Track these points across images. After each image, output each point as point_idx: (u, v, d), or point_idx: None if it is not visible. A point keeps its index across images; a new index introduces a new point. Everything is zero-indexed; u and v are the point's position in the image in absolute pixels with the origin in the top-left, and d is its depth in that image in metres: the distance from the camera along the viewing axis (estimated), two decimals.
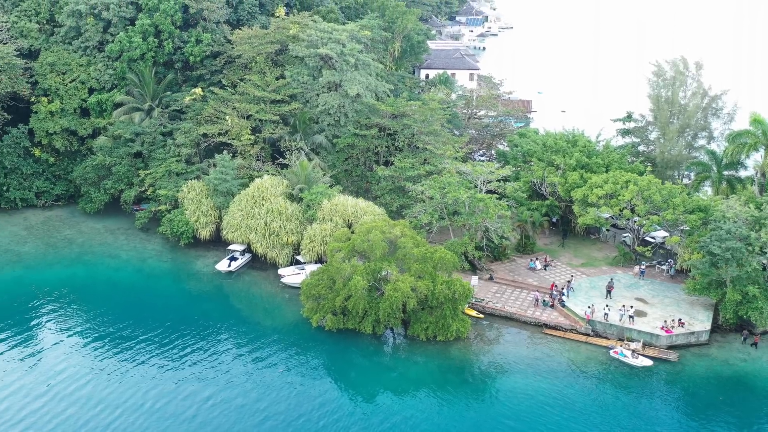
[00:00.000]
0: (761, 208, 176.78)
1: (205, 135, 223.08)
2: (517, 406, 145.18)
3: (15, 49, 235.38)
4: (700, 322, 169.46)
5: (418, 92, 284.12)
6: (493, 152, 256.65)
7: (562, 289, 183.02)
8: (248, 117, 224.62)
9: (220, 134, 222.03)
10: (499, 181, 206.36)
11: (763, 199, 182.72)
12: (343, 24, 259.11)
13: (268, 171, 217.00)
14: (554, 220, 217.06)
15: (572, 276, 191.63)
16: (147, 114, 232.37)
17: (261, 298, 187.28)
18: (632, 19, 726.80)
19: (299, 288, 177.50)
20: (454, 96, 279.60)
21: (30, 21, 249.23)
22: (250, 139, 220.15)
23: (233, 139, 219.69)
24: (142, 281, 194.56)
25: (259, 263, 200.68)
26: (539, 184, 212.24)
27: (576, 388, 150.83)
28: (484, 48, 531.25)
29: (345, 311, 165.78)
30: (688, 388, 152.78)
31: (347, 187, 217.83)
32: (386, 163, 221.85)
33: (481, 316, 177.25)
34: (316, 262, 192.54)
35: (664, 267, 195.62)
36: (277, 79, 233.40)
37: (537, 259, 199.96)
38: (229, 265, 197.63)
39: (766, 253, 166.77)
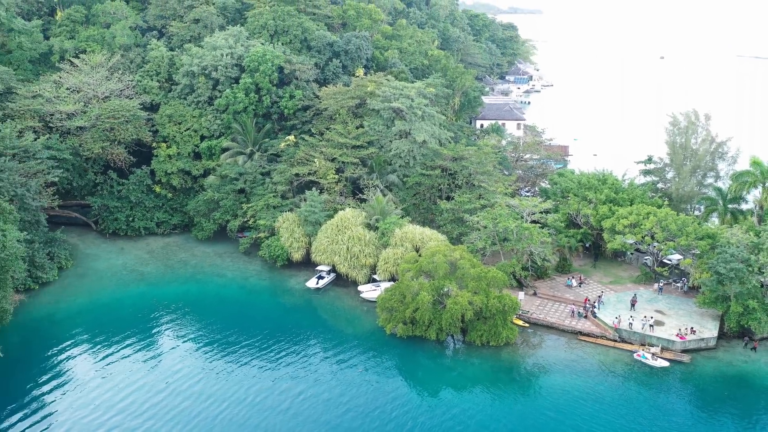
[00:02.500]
0: (759, 236, 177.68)
1: (297, 175, 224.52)
2: (556, 400, 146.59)
3: (139, 103, 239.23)
4: (709, 330, 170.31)
5: (474, 139, 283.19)
6: (536, 189, 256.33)
7: (594, 302, 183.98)
8: (333, 160, 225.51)
9: (309, 174, 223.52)
10: (541, 213, 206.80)
11: (761, 228, 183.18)
12: (412, 82, 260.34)
13: (349, 204, 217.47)
14: (587, 245, 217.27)
15: (602, 292, 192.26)
16: (249, 157, 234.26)
17: (343, 311, 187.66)
18: (652, 78, 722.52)
19: (375, 302, 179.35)
20: (504, 142, 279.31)
21: (152, 80, 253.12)
22: (334, 178, 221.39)
23: (320, 178, 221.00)
24: (245, 296, 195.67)
25: (342, 281, 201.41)
26: (575, 215, 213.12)
27: (605, 385, 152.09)
28: (529, 102, 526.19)
29: (413, 321, 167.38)
30: (699, 385, 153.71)
31: (415, 218, 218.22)
32: (448, 198, 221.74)
33: (527, 325, 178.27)
34: (389, 280, 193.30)
35: (678, 284, 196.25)
36: (357, 128, 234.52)
37: (573, 277, 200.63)
38: (317, 283, 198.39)
39: (764, 272, 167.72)
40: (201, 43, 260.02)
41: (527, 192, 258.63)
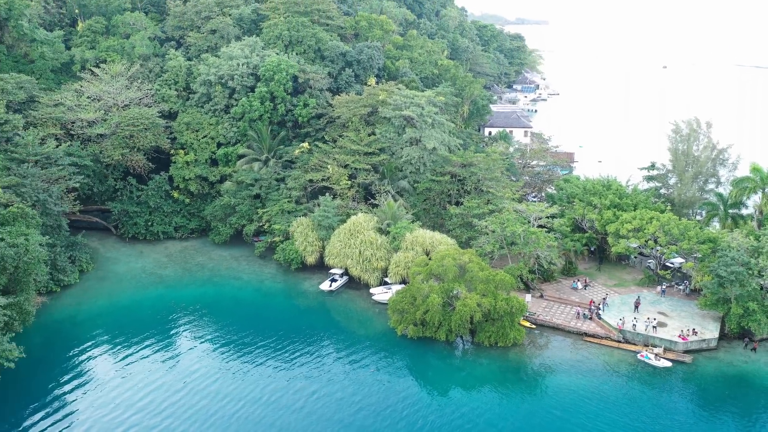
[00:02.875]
0: (759, 240, 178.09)
1: (311, 180, 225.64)
2: (562, 399, 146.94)
3: (158, 111, 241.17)
4: (710, 331, 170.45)
5: (483, 146, 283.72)
6: (543, 194, 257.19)
7: (599, 304, 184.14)
8: (346, 166, 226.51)
9: (323, 180, 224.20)
10: (548, 217, 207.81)
11: (760, 233, 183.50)
12: (422, 91, 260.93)
13: (361, 209, 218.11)
14: (592, 249, 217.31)
15: (607, 294, 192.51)
16: (264, 164, 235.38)
17: (356, 312, 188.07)
18: (655, 87, 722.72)
19: (387, 304, 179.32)
20: (511, 149, 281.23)
21: (170, 89, 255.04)
22: (347, 183, 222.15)
23: (334, 183, 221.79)
24: (260, 298, 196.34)
25: (354, 284, 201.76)
26: (580, 220, 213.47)
27: (610, 384, 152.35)
28: (536, 110, 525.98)
29: (424, 322, 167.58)
30: (700, 385, 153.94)
31: (425, 223, 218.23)
32: (457, 203, 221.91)
33: (534, 326, 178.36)
34: (400, 283, 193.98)
35: (681, 287, 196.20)
36: (369, 135, 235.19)
37: (578, 280, 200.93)
38: (330, 286, 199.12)
39: (763, 275, 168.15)
40: (218, 53, 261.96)
41: (534, 197, 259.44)
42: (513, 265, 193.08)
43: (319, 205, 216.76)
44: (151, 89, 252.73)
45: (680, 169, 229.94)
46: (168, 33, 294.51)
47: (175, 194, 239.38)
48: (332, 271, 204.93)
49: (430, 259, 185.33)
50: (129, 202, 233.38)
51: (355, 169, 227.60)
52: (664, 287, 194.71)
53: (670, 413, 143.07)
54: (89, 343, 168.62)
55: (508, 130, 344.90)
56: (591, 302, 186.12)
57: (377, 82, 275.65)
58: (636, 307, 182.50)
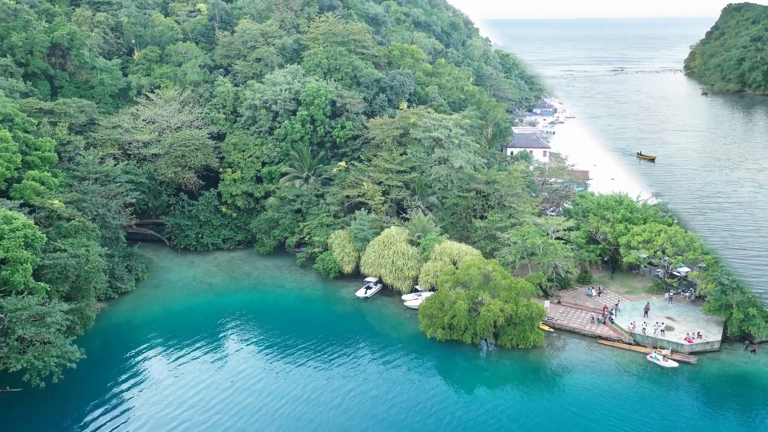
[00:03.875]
0: None
1: (348, 196, 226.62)
2: (578, 396, 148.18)
3: (208, 133, 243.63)
4: (714, 335, 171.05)
5: (505, 165, 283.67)
6: (560, 209, 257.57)
7: (612, 310, 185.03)
8: (380, 183, 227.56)
9: (358, 196, 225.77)
10: (565, 230, 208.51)
11: None
12: (450, 114, 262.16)
13: (394, 223, 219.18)
14: (605, 259, 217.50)
15: (619, 300, 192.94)
16: (305, 181, 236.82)
17: (389, 317, 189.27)
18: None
19: (417, 309, 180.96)
20: (531, 168, 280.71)
21: (218, 112, 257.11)
22: (381, 199, 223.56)
23: (369, 199, 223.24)
24: (301, 304, 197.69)
25: (387, 291, 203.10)
26: (594, 232, 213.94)
27: (621, 383, 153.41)
28: (554, 132, 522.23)
29: (451, 326, 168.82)
30: (705, 383, 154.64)
31: (452, 235, 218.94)
32: (482, 217, 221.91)
33: (552, 330, 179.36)
34: (429, 290, 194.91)
35: (687, 294, 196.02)
36: (401, 155, 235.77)
37: (593, 288, 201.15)
38: (366, 293, 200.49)
39: None
40: (262, 80, 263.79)
41: (552, 212, 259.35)
42: (533, 273, 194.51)
43: (355, 218, 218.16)
44: (201, 113, 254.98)
45: None
46: (216, 61, 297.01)
47: (224, 209, 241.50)
48: (367, 279, 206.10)
49: (457, 268, 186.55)
50: (181, 216, 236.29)
51: (389, 185, 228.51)
52: (671, 294, 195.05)
53: (677, 410, 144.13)
54: (144, 346, 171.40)
55: (528, 150, 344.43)
56: (604, 308, 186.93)
57: (408, 106, 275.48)
58: (646, 312, 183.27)
